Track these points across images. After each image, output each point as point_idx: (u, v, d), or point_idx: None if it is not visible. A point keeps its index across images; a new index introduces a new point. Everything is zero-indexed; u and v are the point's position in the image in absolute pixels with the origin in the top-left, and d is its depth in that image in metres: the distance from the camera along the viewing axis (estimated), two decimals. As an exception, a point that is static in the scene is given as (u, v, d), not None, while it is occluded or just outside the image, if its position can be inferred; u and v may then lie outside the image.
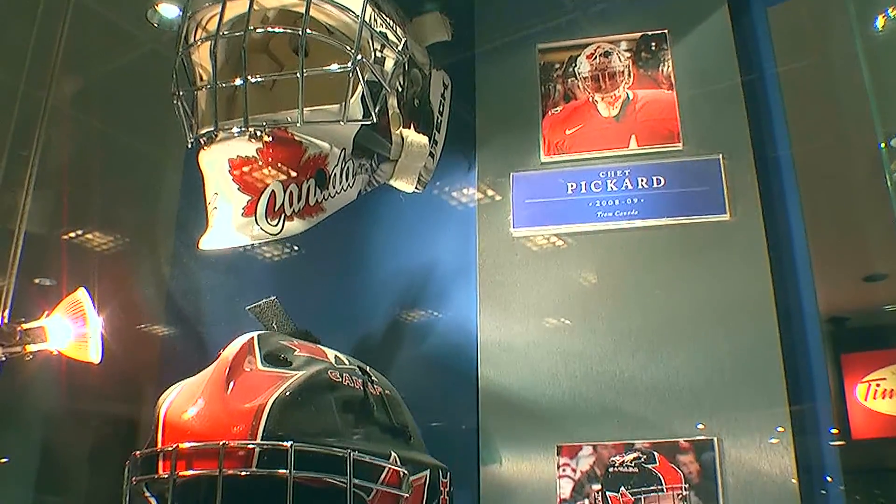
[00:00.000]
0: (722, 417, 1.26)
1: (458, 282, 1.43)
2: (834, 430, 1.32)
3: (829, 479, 1.25)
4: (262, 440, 1.03)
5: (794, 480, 1.21)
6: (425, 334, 1.45)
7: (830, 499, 1.26)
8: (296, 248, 1.55)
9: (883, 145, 1.35)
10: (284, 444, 1.02)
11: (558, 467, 1.29)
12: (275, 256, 1.55)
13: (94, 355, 1.34)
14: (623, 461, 1.27)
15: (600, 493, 1.27)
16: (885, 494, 3.38)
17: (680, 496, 1.24)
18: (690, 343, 1.30)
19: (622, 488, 1.26)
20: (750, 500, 1.23)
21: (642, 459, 1.27)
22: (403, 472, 1.15)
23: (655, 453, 1.27)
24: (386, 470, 1.13)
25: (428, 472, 1.21)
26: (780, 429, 1.22)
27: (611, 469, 1.27)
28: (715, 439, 1.25)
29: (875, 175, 1.36)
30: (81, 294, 1.36)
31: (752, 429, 1.25)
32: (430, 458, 1.24)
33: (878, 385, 4.08)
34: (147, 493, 1.10)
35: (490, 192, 1.48)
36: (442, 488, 1.24)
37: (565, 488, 1.28)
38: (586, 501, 1.27)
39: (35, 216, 1.55)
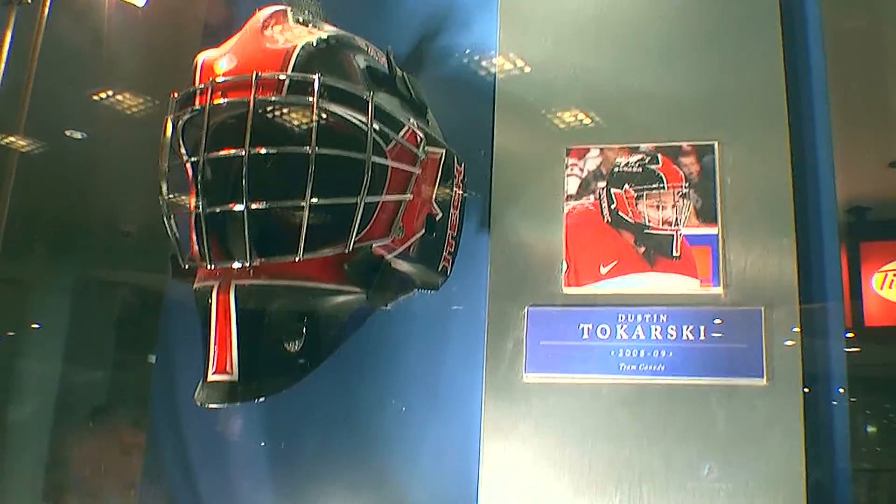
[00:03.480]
0: (724, 126, 1.33)
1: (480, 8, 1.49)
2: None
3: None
4: (291, 74, 1.10)
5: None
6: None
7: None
8: None
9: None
10: (312, 75, 1.10)
11: (566, 167, 1.36)
12: None
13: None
14: (628, 162, 1.34)
15: (605, 190, 1.34)
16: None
17: (680, 193, 1.31)
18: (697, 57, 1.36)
19: (626, 185, 1.34)
20: (746, 199, 1.30)
21: (646, 161, 1.34)
22: (421, 137, 1.23)
23: (659, 155, 1.34)
24: (405, 128, 1.20)
25: (444, 151, 1.29)
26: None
27: (616, 169, 1.35)
28: (716, 143, 1.32)
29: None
30: None
31: (752, 136, 1.31)
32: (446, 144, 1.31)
33: (894, 275, 4.12)
34: (184, 154, 1.17)
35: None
36: (456, 174, 1.32)
37: (572, 186, 1.36)
38: (591, 197, 1.35)
39: None
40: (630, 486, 1.25)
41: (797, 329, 1.26)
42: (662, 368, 1.27)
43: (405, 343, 1.38)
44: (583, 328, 1.30)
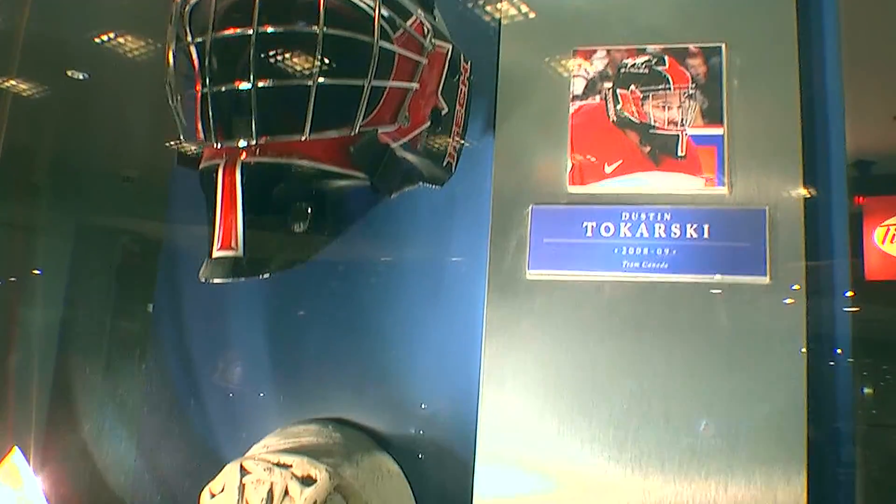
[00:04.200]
0: (733, 28, 1.32)
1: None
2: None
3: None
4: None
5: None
6: None
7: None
8: None
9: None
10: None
11: (573, 68, 1.36)
12: None
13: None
14: (634, 63, 1.34)
15: (611, 91, 1.34)
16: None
17: (686, 94, 1.31)
18: None
19: (632, 86, 1.33)
20: (752, 102, 1.30)
21: (653, 62, 1.33)
22: (428, 28, 1.22)
23: (666, 56, 1.33)
24: (413, 18, 1.20)
25: (451, 46, 1.28)
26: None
27: (622, 69, 1.34)
28: (723, 45, 1.31)
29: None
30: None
31: (760, 41, 1.31)
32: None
33: (896, 230, 4.12)
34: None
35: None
36: (463, 71, 1.32)
37: (578, 86, 1.35)
38: (597, 97, 1.35)
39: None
40: (631, 383, 1.26)
41: (800, 228, 1.26)
42: (665, 266, 1.27)
43: (408, 242, 1.38)
44: (586, 226, 1.30)
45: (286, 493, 1.15)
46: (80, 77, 2.72)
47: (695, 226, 1.27)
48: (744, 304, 1.25)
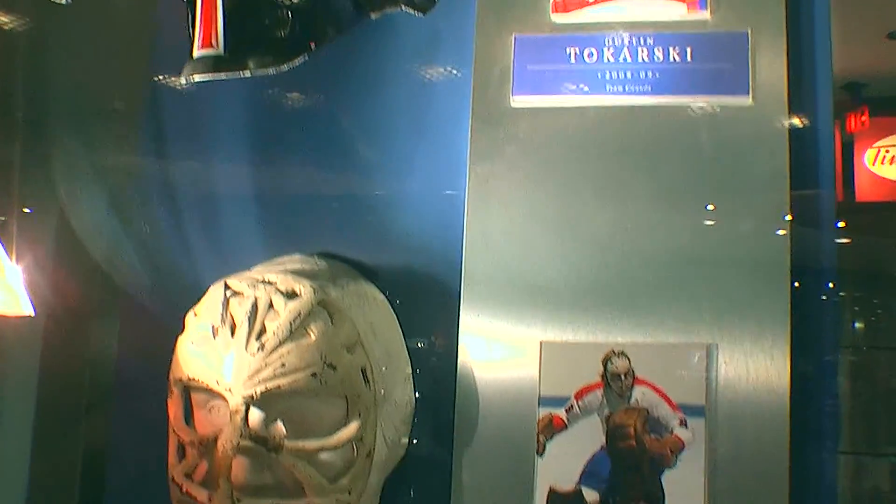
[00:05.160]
0: None
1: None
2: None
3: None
4: None
5: None
6: None
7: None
8: None
9: None
10: None
11: None
12: None
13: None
14: None
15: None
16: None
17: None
18: None
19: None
20: None
21: None
22: None
23: None
24: None
25: None
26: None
27: None
28: None
29: None
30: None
31: None
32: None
33: (887, 151, 4.13)
34: None
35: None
36: None
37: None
38: (580, -73, 1.34)
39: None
40: (615, 204, 1.27)
41: (783, 53, 1.26)
42: (649, 89, 1.28)
43: (392, 75, 1.38)
44: (570, 52, 1.30)
45: (270, 306, 1.16)
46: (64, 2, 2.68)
47: (677, 49, 1.28)
48: (727, 125, 1.25)
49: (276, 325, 1.13)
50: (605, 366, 1.23)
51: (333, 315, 1.18)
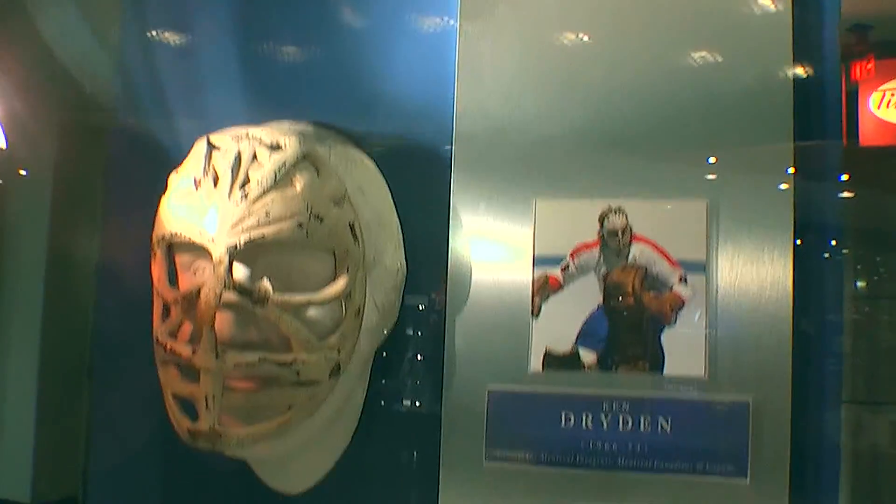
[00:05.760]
0: None
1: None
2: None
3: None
4: None
5: None
6: None
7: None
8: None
9: None
10: None
11: None
12: None
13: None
14: None
15: None
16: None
17: None
18: None
19: None
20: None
21: None
22: None
23: None
24: None
25: None
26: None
27: None
28: None
29: None
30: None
31: None
32: None
33: (892, 94, 4.06)
34: None
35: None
36: None
37: None
38: None
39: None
40: (612, 62, 1.23)
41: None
42: None
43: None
44: None
45: (254, 157, 1.12)
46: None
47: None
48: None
49: (260, 174, 1.09)
50: (601, 223, 1.19)
51: (320, 169, 1.14)
